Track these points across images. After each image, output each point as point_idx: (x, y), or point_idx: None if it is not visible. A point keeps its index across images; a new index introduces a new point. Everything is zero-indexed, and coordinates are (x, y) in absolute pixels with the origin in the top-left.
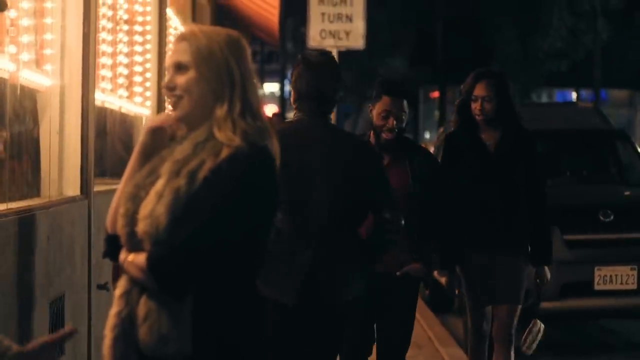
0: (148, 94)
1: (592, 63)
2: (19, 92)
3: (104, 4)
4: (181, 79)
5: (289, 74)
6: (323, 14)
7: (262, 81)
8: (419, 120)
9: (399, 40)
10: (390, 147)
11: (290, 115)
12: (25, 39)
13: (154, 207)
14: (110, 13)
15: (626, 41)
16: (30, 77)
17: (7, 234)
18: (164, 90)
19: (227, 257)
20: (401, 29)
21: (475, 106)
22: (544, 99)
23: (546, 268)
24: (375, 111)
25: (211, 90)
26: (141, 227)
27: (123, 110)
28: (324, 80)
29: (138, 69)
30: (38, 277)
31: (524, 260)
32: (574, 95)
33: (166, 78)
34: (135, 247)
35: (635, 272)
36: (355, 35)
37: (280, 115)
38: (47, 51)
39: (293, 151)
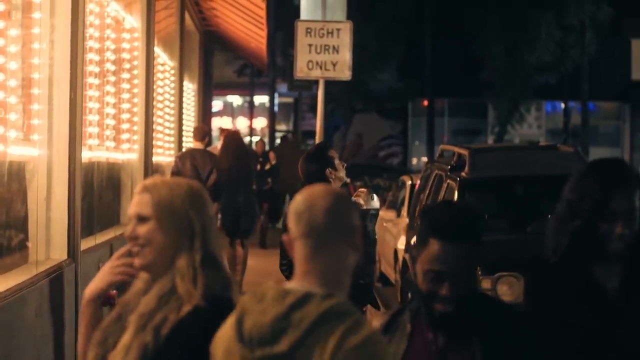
0: (135, 137)
1: (580, 76)
2: (6, 169)
3: (90, 61)
4: (143, 229)
5: (278, 87)
6: (310, 45)
7: (253, 94)
8: (408, 131)
9: (388, 53)
10: (450, 324)
11: (279, 127)
12: (13, 116)
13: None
14: (97, 70)
15: (613, 54)
16: (17, 152)
17: None
18: (127, 240)
19: None
20: (390, 42)
21: (618, 228)
22: (533, 111)
23: None
24: (419, 267)
25: (171, 241)
26: None
27: (110, 160)
28: None
29: (125, 116)
30: (26, 355)
31: None
32: (562, 105)
33: (129, 228)
34: None
35: None
36: (341, 66)
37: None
38: (35, 121)
39: None
